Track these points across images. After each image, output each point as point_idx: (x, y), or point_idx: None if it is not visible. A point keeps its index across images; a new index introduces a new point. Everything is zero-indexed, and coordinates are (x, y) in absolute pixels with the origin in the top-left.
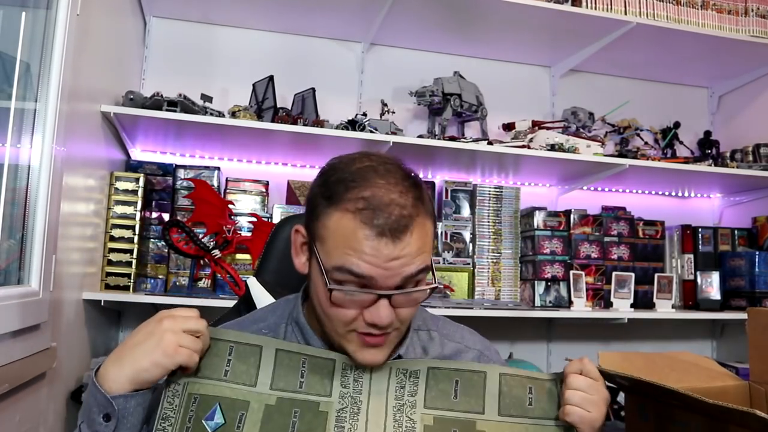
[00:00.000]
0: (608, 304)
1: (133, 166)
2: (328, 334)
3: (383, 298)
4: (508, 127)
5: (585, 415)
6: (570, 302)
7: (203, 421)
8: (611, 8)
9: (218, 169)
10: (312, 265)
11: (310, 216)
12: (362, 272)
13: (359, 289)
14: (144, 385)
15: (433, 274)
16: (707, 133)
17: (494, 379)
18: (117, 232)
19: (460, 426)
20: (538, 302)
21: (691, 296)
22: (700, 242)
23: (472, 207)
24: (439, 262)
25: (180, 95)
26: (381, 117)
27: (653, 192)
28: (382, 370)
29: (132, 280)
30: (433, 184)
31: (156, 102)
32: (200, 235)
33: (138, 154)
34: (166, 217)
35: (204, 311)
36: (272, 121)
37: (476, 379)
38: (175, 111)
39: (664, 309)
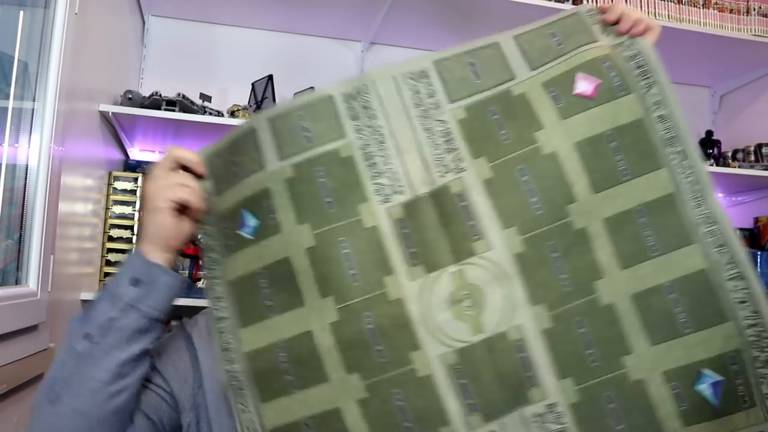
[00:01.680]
0: None
1: (131, 166)
2: None
3: None
4: None
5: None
6: None
7: (238, 231)
8: None
9: None
10: None
11: None
12: None
13: None
14: (171, 246)
15: None
16: (708, 133)
17: (509, 43)
18: (115, 232)
19: (498, 101)
20: None
21: None
22: None
23: None
24: None
25: (179, 95)
26: None
27: None
28: (387, 85)
29: None
30: None
31: (154, 101)
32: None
33: (137, 153)
34: None
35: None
36: None
37: (491, 52)
38: (173, 110)
39: None
